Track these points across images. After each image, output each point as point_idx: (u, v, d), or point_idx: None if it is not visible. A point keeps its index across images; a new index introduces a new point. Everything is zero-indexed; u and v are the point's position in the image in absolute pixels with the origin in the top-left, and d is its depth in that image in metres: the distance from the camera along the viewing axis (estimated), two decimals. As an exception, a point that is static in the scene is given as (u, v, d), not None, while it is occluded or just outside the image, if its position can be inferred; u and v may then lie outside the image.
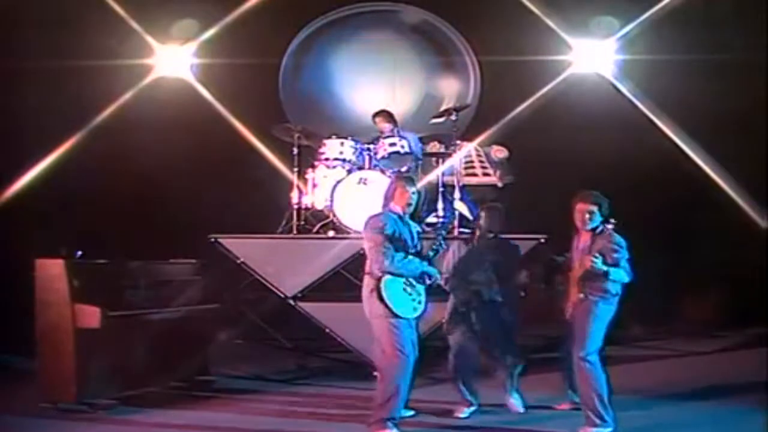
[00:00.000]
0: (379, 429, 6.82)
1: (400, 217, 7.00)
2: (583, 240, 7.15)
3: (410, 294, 6.87)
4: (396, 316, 6.78)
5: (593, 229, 7.07)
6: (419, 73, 12.64)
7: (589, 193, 7.15)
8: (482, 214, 7.87)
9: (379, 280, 6.78)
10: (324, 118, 11.98)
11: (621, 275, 6.96)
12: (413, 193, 7.04)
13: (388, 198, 7.09)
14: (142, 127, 10.82)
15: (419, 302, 6.91)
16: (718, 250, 11.81)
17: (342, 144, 9.64)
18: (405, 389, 6.89)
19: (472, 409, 7.65)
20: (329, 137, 9.75)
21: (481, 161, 10.83)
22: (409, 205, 7.03)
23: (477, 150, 10.88)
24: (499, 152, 10.94)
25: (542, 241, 8.80)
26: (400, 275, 6.83)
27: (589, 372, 6.91)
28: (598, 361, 6.95)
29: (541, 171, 11.10)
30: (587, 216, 7.05)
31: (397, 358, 6.80)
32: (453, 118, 9.82)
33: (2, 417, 7.45)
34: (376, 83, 12.34)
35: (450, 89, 12.67)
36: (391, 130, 10.01)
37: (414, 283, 6.90)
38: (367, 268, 6.97)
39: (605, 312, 6.99)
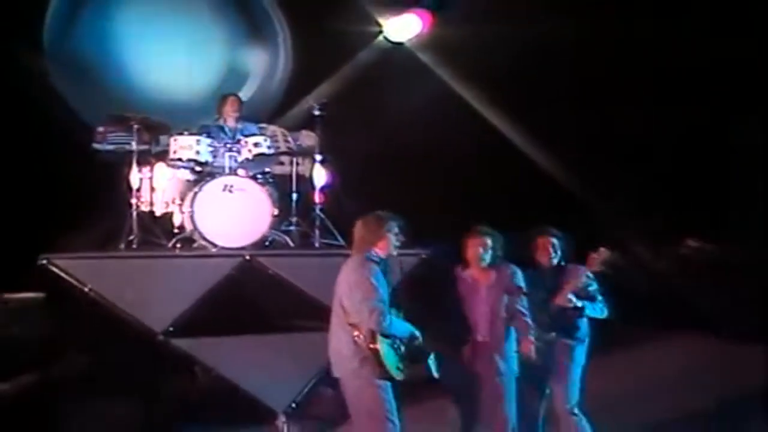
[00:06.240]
0: None
1: (383, 262, 5.97)
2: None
3: (398, 354, 5.89)
4: (386, 378, 5.82)
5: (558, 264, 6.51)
6: (221, 38, 10.37)
7: (549, 228, 6.53)
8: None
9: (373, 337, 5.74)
10: (103, 89, 9.61)
11: (598, 311, 6.49)
12: (396, 234, 6.00)
13: (368, 241, 5.97)
14: None
15: (405, 365, 5.95)
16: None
17: (198, 143, 8.04)
18: None
19: None
20: (180, 133, 8.02)
21: (289, 148, 9.23)
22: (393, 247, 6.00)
23: (284, 135, 8.99)
24: (308, 138, 9.36)
25: (424, 257, 7.84)
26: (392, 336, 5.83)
27: (578, 426, 6.46)
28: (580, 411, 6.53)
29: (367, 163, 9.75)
30: (551, 250, 6.46)
31: (387, 429, 5.81)
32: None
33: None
34: (171, 47, 10.09)
35: (257, 62, 10.59)
36: (237, 120, 8.50)
37: (401, 343, 5.92)
38: (347, 319, 5.82)
39: (582, 356, 6.55)
